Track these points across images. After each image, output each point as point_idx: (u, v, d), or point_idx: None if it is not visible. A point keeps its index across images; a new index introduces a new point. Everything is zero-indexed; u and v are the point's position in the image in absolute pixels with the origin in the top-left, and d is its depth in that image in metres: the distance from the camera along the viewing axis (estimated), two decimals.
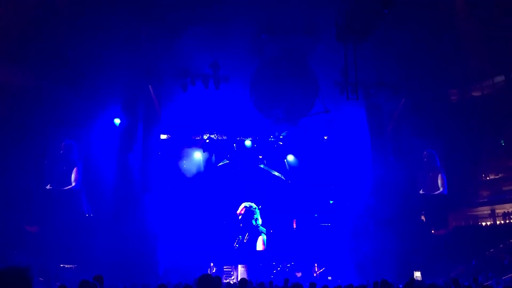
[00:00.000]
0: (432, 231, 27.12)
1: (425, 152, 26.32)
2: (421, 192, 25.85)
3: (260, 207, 27.31)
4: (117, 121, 22.76)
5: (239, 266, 25.13)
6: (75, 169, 22.93)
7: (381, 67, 21.01)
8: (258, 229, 26.98)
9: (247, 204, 27.34)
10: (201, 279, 4.21)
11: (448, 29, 20.31)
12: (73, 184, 22.86)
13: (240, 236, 26.66)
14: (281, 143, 27.53)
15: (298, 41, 19.12)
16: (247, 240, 26.72)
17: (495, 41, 21.94)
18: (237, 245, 26.47)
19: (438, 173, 26.19)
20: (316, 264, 25.24)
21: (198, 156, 26.72)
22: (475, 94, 29.44)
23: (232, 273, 24.85)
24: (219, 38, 18.53)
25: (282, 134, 26.98)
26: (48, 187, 22.52)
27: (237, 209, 27.14)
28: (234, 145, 27.17)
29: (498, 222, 28.61)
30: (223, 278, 22.49)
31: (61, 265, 20.24)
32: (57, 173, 22.88)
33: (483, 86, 28.87)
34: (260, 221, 27.12)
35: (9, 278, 2.23)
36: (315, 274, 24.71)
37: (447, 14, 19.80)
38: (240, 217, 27.04)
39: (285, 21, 18.44)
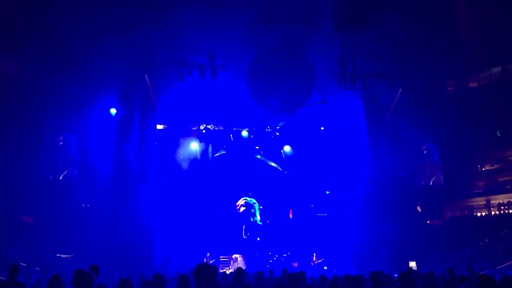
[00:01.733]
0: (428, 222, 27.27)
1: (422, 144, 26.35)
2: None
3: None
4: (113, 111, 22.65)
5: (238, 256, 25.18)
6: (77, 163, 22.93)
7: (379, 57, 20.97)
8: (256, 225, 27.03)
9: (247, 199, 27.31)
10: (198, 268, 4.21)
11: (445, 20, 20.25)
12: (75, 178, 22.83)
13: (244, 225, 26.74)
14: (278, 134, 27.49)
15: (295, 31, 19.01)
16: (245, 234, 26.79)
17: (492, 32, 21.90)
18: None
19: (434, 164, 26.27)
20: (314, 254, 25.35)
21: (194, 146, 26.66)
22: (472, 85, 29.45)
23: (230, 263, 24.89)
24: (216, 28, 18.41)
25: (279, 125, 26.93)
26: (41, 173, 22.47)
27: (234, 200, 27.13)
28: (231, 135, 27.12)
29: (493, 213, 28.79)
30: (219, 268, 22.57)
31: (58, 255, 20.23)
32: (54, 163, 22.83)
33: (480, 77, 28.88)
34: (258, 218, 27.14)
35: None
36: (312, 264, 24.81)
37: (445, 5, 19.72)
38: (240, 209, 27.05)
39: (283, 11, 18.33)
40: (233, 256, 25.31)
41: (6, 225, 19.06)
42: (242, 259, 25.00)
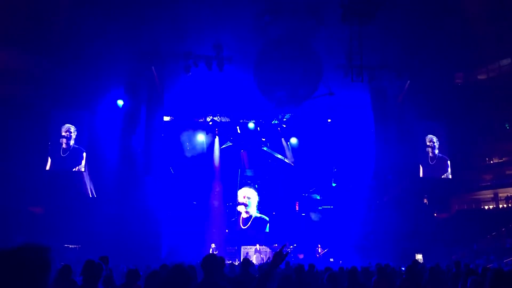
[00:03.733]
0: (435, 214, 27.18)
1: (429, 136, 26.17)
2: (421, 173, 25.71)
3: (256, 186, 27.44)
4: (120, 102, 22.70)
5: (258, 246, 25.19)
6: (83, 155, 22.93)
7: (386, 49, 20.81)
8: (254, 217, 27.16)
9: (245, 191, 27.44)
10: (206, 259, 4.21)
11: (454, 12, 20.03)
12: (82, 169, 22.88)
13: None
14: (285, 126, 27.42)
15: (302, 23, 18.89)
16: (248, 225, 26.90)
17: (501, 24, 21.67)
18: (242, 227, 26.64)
19: (442, 157, 26.11)
20: (319, 245, 25.36)
21: (201, 138, 26.68)
22: (480, 77, 29.24)
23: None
24: (223, 19, 18.33)
25: (285, 117, 26.86)
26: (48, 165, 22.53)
27: (239, 192, 27.22)
28: (238, 127, 27.08)
29: (500, 206, 28.68)
30: (226, 259, 22.63)
31: (65, 245, 20.39)
32: (61, 154, 22.93)
33: (488, 70, 28.66)
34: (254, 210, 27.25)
35: (25, 258, 2.13)
36: (317, 255, 24.84)
37: None
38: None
39: (289, 2, 18.21)
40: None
41: (13, 216, 19.23)
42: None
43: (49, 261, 2.20)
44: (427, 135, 26.12)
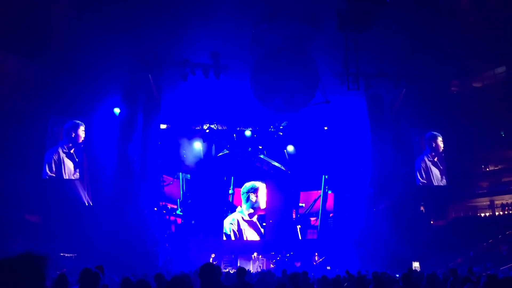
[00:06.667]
0: (431, 222, 27.19)
1: (425, 144, 26.24)
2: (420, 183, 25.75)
3: None
4: (117, 110, 22.68)
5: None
6: (80, 163, 22.88)
7: (382, 57, 20.94)
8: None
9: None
10: (204, 268, 4.21)
11: (449, 20, 20.20)
12: (77, 176, 22.80)
13: None
14: (281, 134, 27.45)
15: (299, 31, 18.98)
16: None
17: (496, 32, 21.83)
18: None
19: (438, 164, 26.16)
20: (316, 254, 25.31)
21: (198, 146, 26.66)
22: (476, 85, 29.39)
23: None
24: (220, 27, 18.41)
25: (282, 125, 26.89)
26: (44, 173, 22.45)
27: (237, 199, 27.15)
28: (234, 135, 27.09)
29: (497, 213, 28.73)
30: (223, 268, 22.54)
31: (61, 254, 20.27)
32: (57, 162, 22.85)
33: (484, 77, 28.83)
34: None
35: (21, 267, 2.17)
36: (314, 263, 24.79)
37: (449, 5, 19.69)
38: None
39: (286, 10, 18.31)
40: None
41: (9, 224, 19.12)
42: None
43: (44, 269, 2.25)
44: (423, 142, 26.19)
